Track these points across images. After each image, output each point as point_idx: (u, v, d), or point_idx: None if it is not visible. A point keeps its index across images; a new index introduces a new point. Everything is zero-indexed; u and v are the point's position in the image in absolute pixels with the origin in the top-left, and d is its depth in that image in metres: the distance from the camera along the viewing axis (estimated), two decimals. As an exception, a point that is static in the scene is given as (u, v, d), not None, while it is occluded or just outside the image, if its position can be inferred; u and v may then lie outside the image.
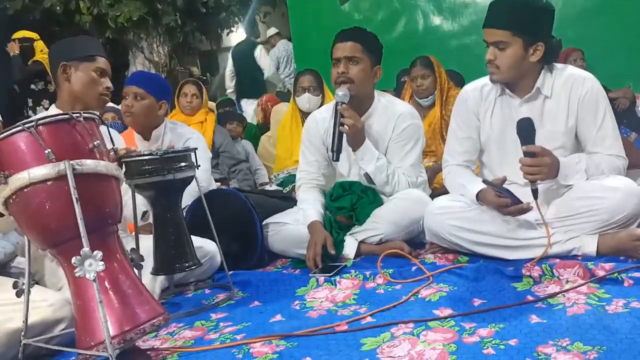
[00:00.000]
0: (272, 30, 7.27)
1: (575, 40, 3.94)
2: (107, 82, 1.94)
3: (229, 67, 6.38)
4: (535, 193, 1.73)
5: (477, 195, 1.86)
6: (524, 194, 1.77)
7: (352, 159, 2.21)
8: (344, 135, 2.07)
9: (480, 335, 1.29)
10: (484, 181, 1.79)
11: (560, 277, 1.60)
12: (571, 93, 1.84)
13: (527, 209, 1.74)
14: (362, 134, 2.10)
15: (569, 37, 3.99)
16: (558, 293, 1.49)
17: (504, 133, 1.94)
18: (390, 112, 2.21)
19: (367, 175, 2.15)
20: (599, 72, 1.90)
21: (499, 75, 1.83)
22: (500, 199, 1.76)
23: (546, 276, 1.62)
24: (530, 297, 1.50)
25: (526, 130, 1.72)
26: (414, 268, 1.83)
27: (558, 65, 1.90)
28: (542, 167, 1.71)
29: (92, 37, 2.09)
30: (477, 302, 1.52)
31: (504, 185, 1.76)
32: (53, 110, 1.94)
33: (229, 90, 6.37)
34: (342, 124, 2.04)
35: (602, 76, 1.89)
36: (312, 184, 2.29)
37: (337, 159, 2.08)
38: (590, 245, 1.75)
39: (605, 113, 1.83)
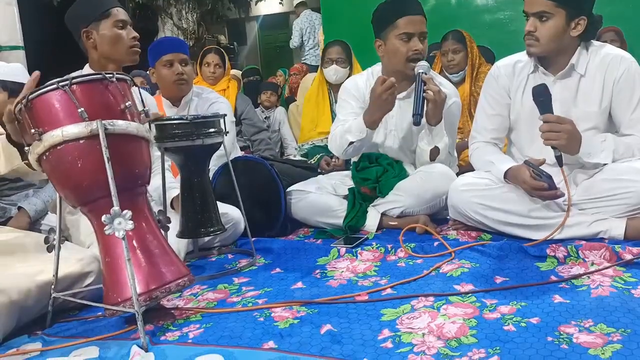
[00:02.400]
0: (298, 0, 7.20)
1: (613, 19, 3.80)
2: (131, 32, 1.88)
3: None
4: (559, 160, 1.71)
5: (506, 173, 1.83)
6: (552, 173, 1.74)
7: (388, 130, 2.20)
8: (426, 102, 1.99)
9: (502, 312, 1.29)
10: (526, 162, 1.75)
11: (586, 259, 1.58)
12: (607, 73, 1.79)
13: (560, 196, 1.72)
14: (443, 106, 2.02)
15: (607, 16, 3.84)
16: (583, 274, 1.48)
17: (534, 111, 1.89)
18: None
19: (435, 150, 2.09)
20: (636, 53, 1.83)
21: (537, 47, 1.78)
22: (536, 182, 1.72)
23: (571, 257, 1.60)
24: (553, 277, 1.49)
25: (543, 96, 1.70)
26: (436, 243, 1.83)
27: (595, 43, 1.84)
28: (561, 132, 1.68)
29: None
30: (499, 279, 1.51)
31: (542, 168, 1.72)
32: (87, 69, 1.93)
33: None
34: (425, 91, 1.97)
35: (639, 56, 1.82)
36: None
37: (419, 123, 1.99)
38: (618, 229, 1.72)
39: None
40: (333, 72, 3.17)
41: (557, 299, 1.34)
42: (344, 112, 2.24)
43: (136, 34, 1.90)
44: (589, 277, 1.46)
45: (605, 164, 1.77)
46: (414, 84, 2.02)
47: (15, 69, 2.22)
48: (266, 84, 4.33)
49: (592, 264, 1.55)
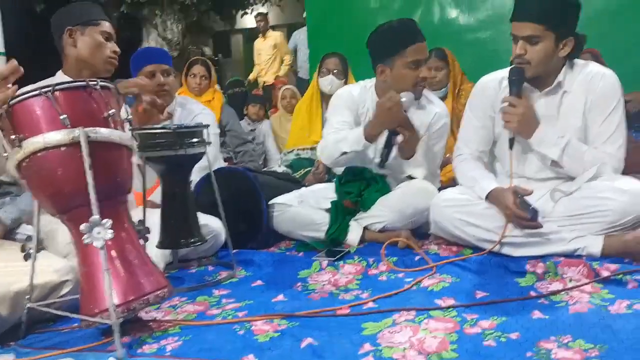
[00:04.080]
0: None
1: (593, 41, 3.90)
2: (114, 46, 1.92)
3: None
4: (510, 142, 1.83)
5: (489, 194, 1.85)
6: (539, 187, 1.77)
7: (377, 148, 2.16)
8: (395, 144, 2.01)
9: (482, 327, 1.30)
10: (515, 190, 1.76)
11: (564, 276, 1.60)
12: (588, 89, 1.83)
13: (540, 227, 1.75)
14: (415, 145, 2.04)
15: (588, 37, 3.95)
16: (561, 291, 1.49)
17: None
18: (428, 109, 2.21)
19: (410, 177, 2.14)
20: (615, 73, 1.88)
21: (530, 70, 1.81)
22: (520, 211, 1.73)
23: (550, 273, 1.62)
24: (533, 293, 1.50)
25: (516, 76, 1.81)
26: (417, 257, 1.84)
27: (579, 62, 1.89)
28: (513, 115, 1.79)
29: (94, 3, 2.07)
30: (479, 294, 1.52)
31: (526, 199, 1.74)
32: (60, 76, 1.91)
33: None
34: (396, 133, 1.99)
35: (618, 77, 1.87)
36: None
37: (383, 167, 2.02)
38: (595, 246, 1.75)
39: (612, 110, 1.81)
40: (329, 82, 3.18)
41: (537, 314, 1.35)
42: (337, 119, 2.22)
43: (117, 49, 1.93)
44: (567, 293, 1.48)
45: (588, 181, 1.79)
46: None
47: None
48: (255, 97, 4.34)
49: (571, 280, 1.57)
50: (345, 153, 2.09)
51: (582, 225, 1.78)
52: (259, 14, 7.02)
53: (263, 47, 6.99)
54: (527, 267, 1.66)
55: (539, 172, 1.92)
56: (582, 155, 1.81)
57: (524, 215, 1.73)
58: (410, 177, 2.15)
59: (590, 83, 1.83)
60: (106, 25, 1.91)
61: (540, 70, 1.82)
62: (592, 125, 1.84)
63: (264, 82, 6.70)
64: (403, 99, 1.98)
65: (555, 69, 1.85)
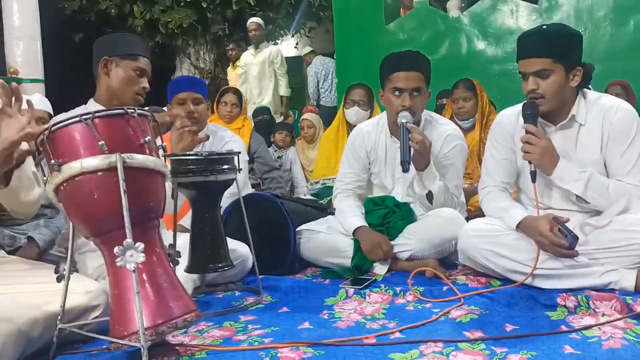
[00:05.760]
0: (307, 49, 7.40)
1: (621, 73, 3.88)
2: (144, 83, 1.94)
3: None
4: (532, 175, 1.79)
5: (519, 223, 1.83)
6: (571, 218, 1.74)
7: (396, 177, 2.23)
8: (412, 150, 2.01)
9: (511, 361, 1.27)
10: (554, 218, 1.73)
11: (597, 310, 1.56)
12: (604, 121, 1.82)
13: (575, 256, 1.72)
14: (429, 153, 2.06)
15: (616, 70, 3.93)
16: (594, 325, 1.46)
17: None
18: (438, 131, 2.22)
19: (429, 195, 2.13)
20: (641, 105, 1.87)
21: (545, 104, 1.81)
22: (557, 239, 1.70)
23: (581, 307, 1.58)
24: (564, 327, 1.47)
25: (530, 110, 1.80)
26: (445, 288, 1.81)
27: (593, 94, 1.89)
28: (535, 146, 1.76)
29: (137, 37, 2.11)
30: (509, 327, 1.49)
31: (567, 225, 1.71)
32: (92, 104, 1.96)
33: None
34: (410, 139, 1.99)
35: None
36: (348, 193, 2.32)
37: (407, 170, 2.00)
38: (628, 280, 1.71)
39: (632, 142, 1.79)
40: (354, 113, 3.22)
41: (568, 349, 1.32)
42: (344, 170, 2.35)
43: (147, 86, 1.95)
44: (599, 328, 1.44)
45: (618, 215, 1.76)
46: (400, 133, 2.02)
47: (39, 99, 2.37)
48: (282, 125, 4.41)
49: (603, 315, 1.53)
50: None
51: (614, 259, 1.74)
52: (231, 43, 6.98)
53: (232, 76, 6.99)
54: (558, 300, 1.63)
55: (564, 203, 1.89)
56: (605, 188, 1.78)
57: (562, 242, 1.70)
58: (430, 194, 2.12)
59: (606, 115, 1.81)
60: (142, 62, 1.93)
61: (556, 102, 1.82)
62: (611, 158, 1.82)
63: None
64: (404, 120, 2.02)
65: (569, 100, 1.84)
